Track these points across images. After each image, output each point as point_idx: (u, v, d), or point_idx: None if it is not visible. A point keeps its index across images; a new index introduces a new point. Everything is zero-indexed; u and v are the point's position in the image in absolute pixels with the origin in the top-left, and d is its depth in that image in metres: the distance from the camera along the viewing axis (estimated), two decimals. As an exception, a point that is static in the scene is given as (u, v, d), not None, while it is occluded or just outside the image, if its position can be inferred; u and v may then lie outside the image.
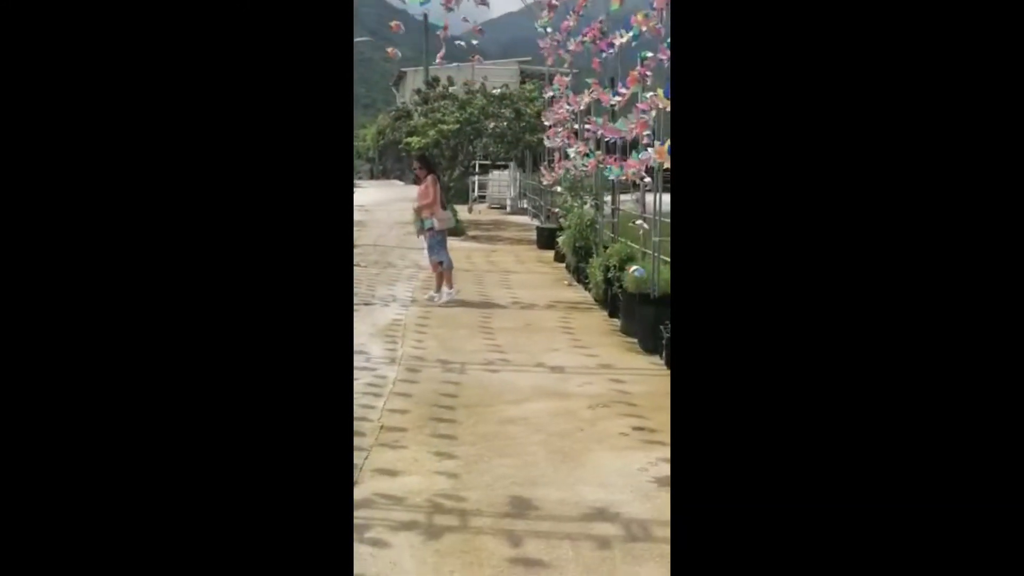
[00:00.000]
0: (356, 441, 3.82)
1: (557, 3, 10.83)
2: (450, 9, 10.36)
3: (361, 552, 2.75)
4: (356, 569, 2.63)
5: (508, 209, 20.56)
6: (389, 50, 13.00)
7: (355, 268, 9.93)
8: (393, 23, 10.98)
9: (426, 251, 8.04)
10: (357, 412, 4.28)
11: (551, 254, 10.98)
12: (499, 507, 3.12)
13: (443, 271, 7.80)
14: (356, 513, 3.04)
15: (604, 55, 8.39)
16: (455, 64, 18.42)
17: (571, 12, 10.49)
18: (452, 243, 12.17)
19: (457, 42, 13.58)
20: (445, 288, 7.77)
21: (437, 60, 12.63)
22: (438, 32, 12.39)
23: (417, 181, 8.30)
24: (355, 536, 2.85)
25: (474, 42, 12.27)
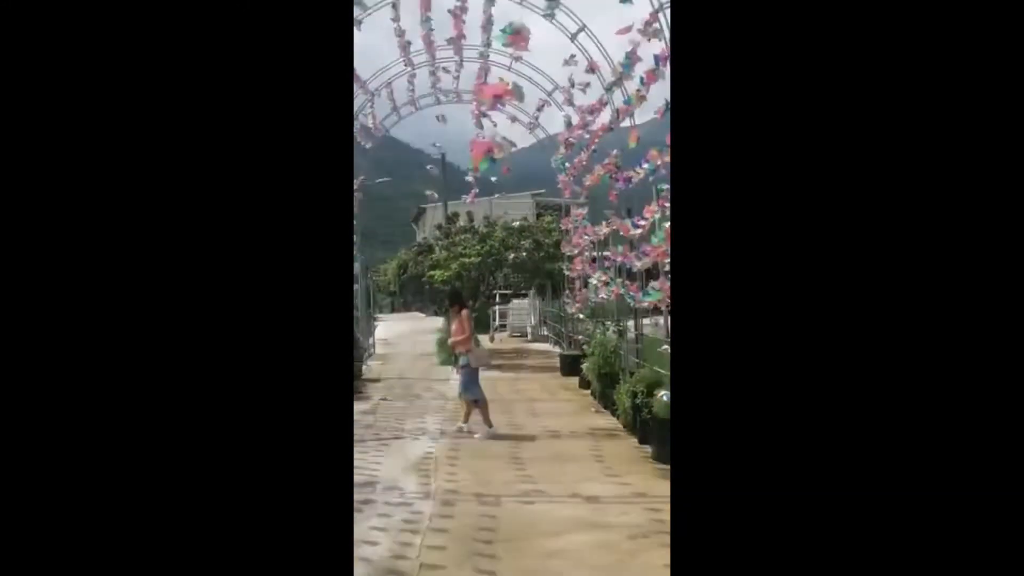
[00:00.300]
0: (397, 580, 3.80)
1: (574, 140, 11.40)
2: (489, 153, 10.98)
3: None
4: None
5: (529, 337, 20.71)
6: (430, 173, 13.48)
7: (383, 401, 10.00)
8: (429, 167, 11.54)
9: (459, 386, 8.05)
10: (394, 550, 4.27)
11: (575, 381, 11.00)
12: (547, 645, 3.07)
13: (479, 408, 7.79)
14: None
15: (620, 187, 8.75)
16: (473, 199, 19.18)
17: (584, 149, 11.03)
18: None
19: (468, 178, 14.20)
20: (484, 427, 7.70)
21: (469, 199, 13.10)
22: (468, 176, 12.97)
23: (446, 314, 8.40)
24: None
25: (493, 179, 12.83)
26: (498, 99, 9.41)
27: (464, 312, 8.05)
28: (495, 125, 12.62)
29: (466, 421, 7.84)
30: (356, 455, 6.74)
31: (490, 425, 7.68)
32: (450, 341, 8.22)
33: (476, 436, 7.56)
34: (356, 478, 5.96)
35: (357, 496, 5.42)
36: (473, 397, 7.77)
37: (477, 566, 3.99)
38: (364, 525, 4.72)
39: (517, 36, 8.10)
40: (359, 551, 4.24)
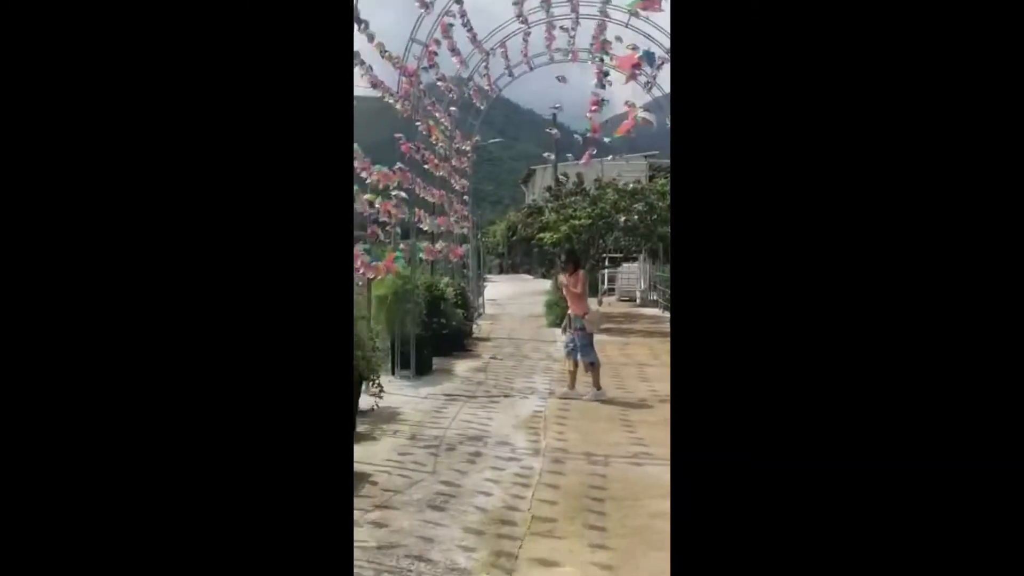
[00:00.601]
0: (509, 530, 3.92)
1: None
2: (596, 111, 10.87)
3: (524, 640, 2.80)
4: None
5: (638, 301, 20.55)
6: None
7: (492, 361, 10.20)
8: (552, 130, 11.52)
9: (572, 350, 7.74)
10: (507, 502, 4.39)
11: (686, 346, 10.85)
12: (657, 601, 3.11)
13: (593, 370, 7.68)
14: (515, 601, 3.11)
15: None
16: (583, 161, 19.03)
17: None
18: (586, 335, 12.37)
19: (575, 136, 14.03)
20: (592, 389, 7.63)
21: (584, 160, 13.00)
22: (588, 134, 12.85)
23: (554, 276, 8.21)
24: (516, 624, 2.91)
25: (607, 140, 12.70)
26: (636, 68, 9.32)
27: (580, 273, 7.94)
28: (611, 84, 12.44)
29: (572, 387, 7.80)
30: (469, 410, 6.95)
31: (599, 388, 7.64)
32: (567, 294, 8.00)
33: (584, 396, 7.54)
34: (469, 430, 6.15)
35: (470, 448, 5.60)
36: (590, 360, 7.66)
37: (586, 521, 4.07)
38: (478, 477, 4.88)
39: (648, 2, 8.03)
40: (473, 500, 4.40)
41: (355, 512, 4.17)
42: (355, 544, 3.70)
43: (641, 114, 10.48)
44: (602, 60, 11.63)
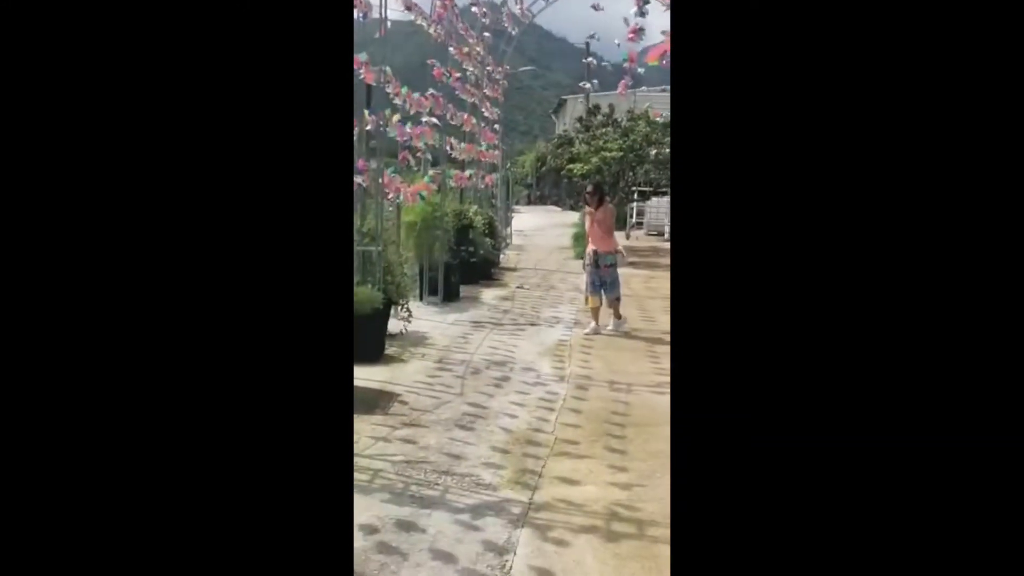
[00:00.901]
0: (534, 450, 4.06)
1: None
2: (634, 40, 10.62)
3: (546, 549, 2.96)
4: (543, 564, 2.85)
5: (666, 236, 20.46)
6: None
7: (519, 290, 10.30)
8: (588, 59, 11.31)
9: (598, 286, 7.51)
10: (532, 424, 4.53)
11: (713, 281, 10.87)
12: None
13: (617, 303, 7.64)
14: (538, 515, 3.26)
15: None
16: (615, 92, 18.68)
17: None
18: (612, 268, 12.40)
19: (606, 65, 13.71)
20: (614, 320, 7.60)
21: (620, 91, 12.81)
22: (624, 63, 12.59)
23: (581, 208, 8.02)
24: (539, 535, 3.07)
25: (640, 70, 12.45)
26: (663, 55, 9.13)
27: (609, 207, 7.82)
28: (647, 14, 12.13)
29: (598, 322, 7.59)
30: (495, 337, 7.09)
31: (620, 317, 7.63)
32: (595, 240, 7.61)
33: (607, 328, 7.53)
34: (496, 355, 6.29)
35: (496, 373, 5.74)
36: (616, 295, 7.57)
37: (608, 444, 4.20)
38: (504, 400, 5.02)
39: None
40: (499, 422, 4.54)
41: (385, 428, 4.34)
42: (385, 458, 3.87)
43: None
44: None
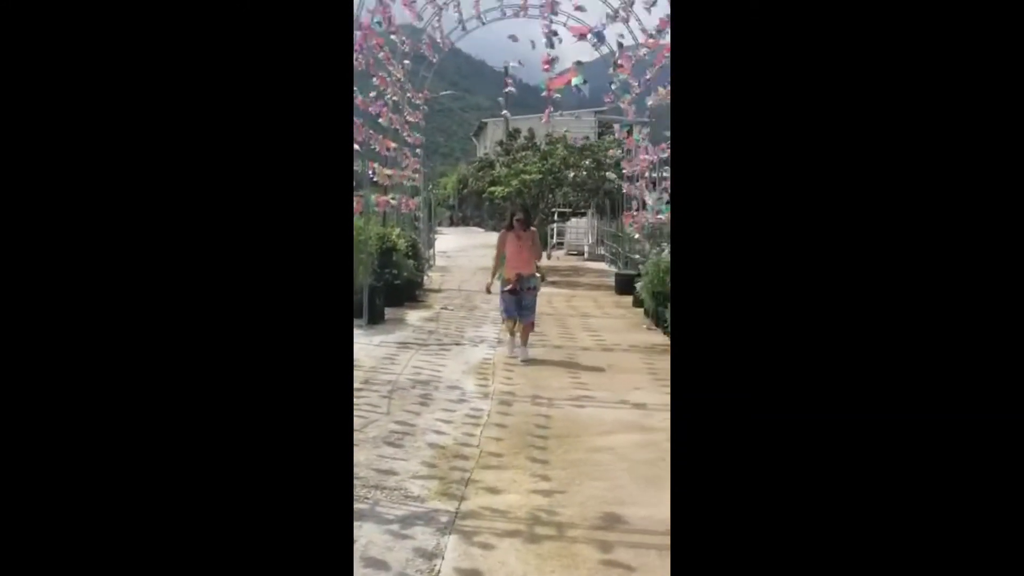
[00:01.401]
0: (460, 463, 4.25)
1: (623, 64, 11.41)
2: (548, 70, 11.19)
3: (472, 553, 3.15)
4: (470, 566, 3.04)
5: (585, 256, 20.97)
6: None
7: (443, 311, 10.48)
8: (508, 88, 11.75)
9: (513, 311, 7.35)
10: (459, 438, 4.72)
11: (629, 299, 11.29)
12: (592, 521, 3.49)
13: (530, 328, 7.51)
14: (464, 522, 3.45)
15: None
16: (534, 115, 19.18)
17: (651, 66, 11.02)
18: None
19: (527, 87, 14.25)
20: (521, 347, 7.39)
21: (544, 119, 13.24)
22: (542, 93, 13.05)
23: (509, 229, 7.46)
24: (466, 540, 3.26)
25: (557, 95, 12.90)
26: (583, 36, 9.70)
27: (534, 231, 7.68)
28: (561, 41, 12.61)
29: (525, 344, 7.42)
30: (421, 357, 7.24)
31: (526, 343, 7.46)
32: (522, 267, 7.34)
33: (522, 353, 7.33)
34: (421, 375, 6.45)
35: (426, 391, 5.90)
36: (532, 320, 7.49)
37: (531, 455, 4.42)
38: (430, 417, 5.20)
39: None
40: (426, 438, 4.71)
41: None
42: (316, 475, 3.99)
43: (575, 80, 10.95)
44: (550, 21, 11.88)
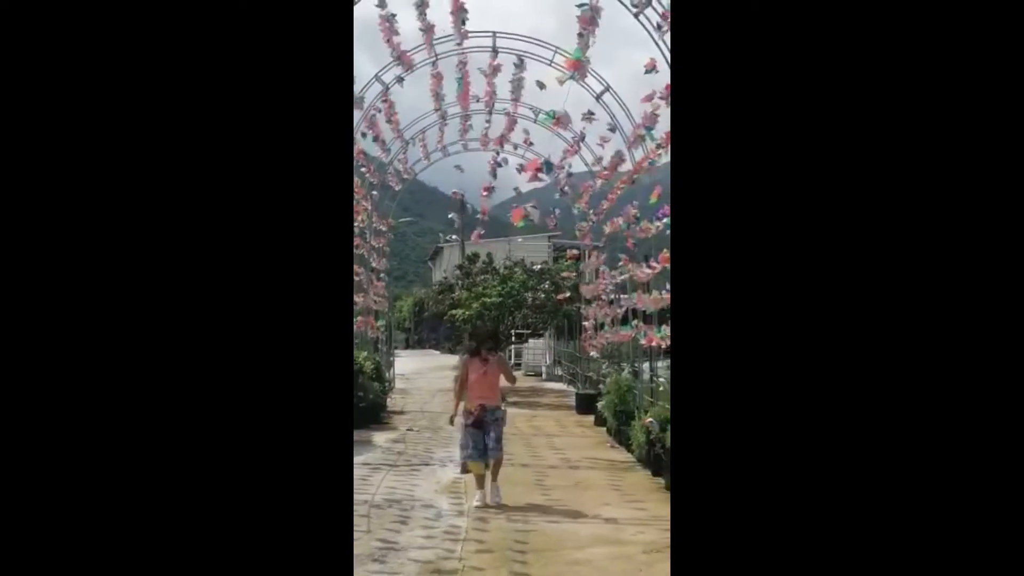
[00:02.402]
0: (445, 577, 4.39)
1: (581, 193, 12.32)
2: (487, 196, 12.35)
3: (469, 661, 3.29)
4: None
5: (544, 376, 21.26)
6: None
7: (409, 432, 10.58)
8: (451, 215, 12.59)
9: (480, 447, 6.31)
10: (441, 554, 4.86)
11: (591, 418, 11.55)
12: (578, 628, 3.66)
13: (496, 465, 6.49)
14: (456, 633, 3.59)
15: (639, 237, 9.48)
16: (490, 239, 19.96)
17: (606, 199, 11.79)
18: (496, 408, 12.94)
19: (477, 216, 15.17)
20: (492, 486, 6.41)
21: (472, 238, 14.03)
22: (478, 216, 13.95)
23: (463, 355, 6.91)
24: (460, 649, 3.40)
25: (519, 224, 13.59)
26: (537, 171, 10.71)
27: (501, 355, 6.94)
28: (511, 167, 13.46)
29: (495, 480, 6.45)
30: (393, 478, 7.35)
31: (496, 480, 6.46)
32: (477, 381, 6.46)
33: (494, 500, 6.32)
34: (396, 495, 6.56)
35: (401, 510, 6.02)
36: (500, 454, 6.48)
37: (512, 569, 4.59)
38: (410, 534, 5.33)
39: (558, 121, 9.54)
40: (409, 554, 4.84)
41: (302, 566, 4.56)
42: (308, 592, 4.10)
43: (529, 210, 12.34)
44: (497, 153, 13.02)
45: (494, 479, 6.42)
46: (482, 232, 15.20)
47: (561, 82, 9.19)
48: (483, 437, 6.31)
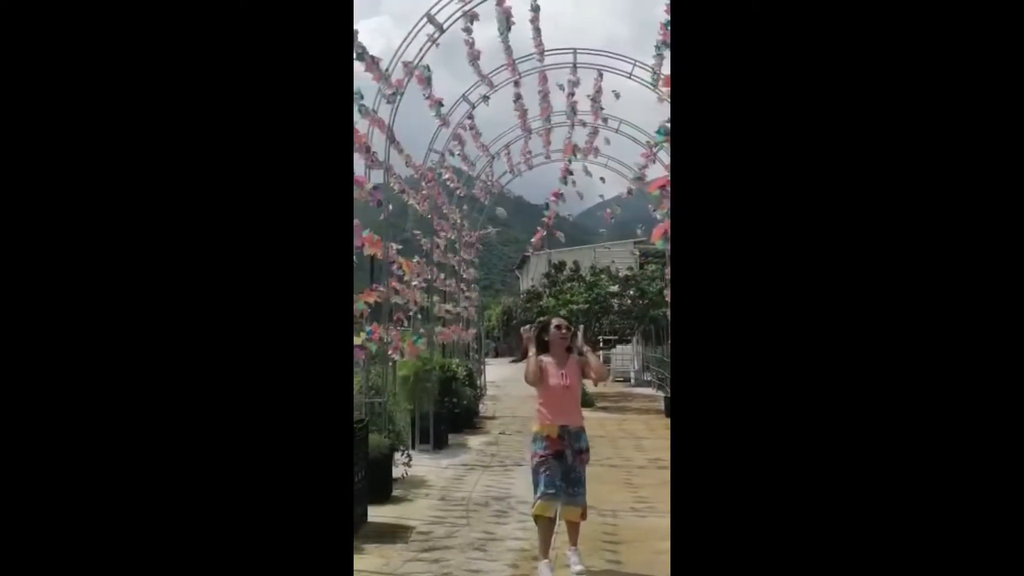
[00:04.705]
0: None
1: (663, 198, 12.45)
2: (556, 201, 12.76)
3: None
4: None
5: (632, 382, 21.40)
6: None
7: (502, 436, 11.01)
8: (541, 228, 13.09)
9: (558, 484, 4.50)
10: (536, 544, 5.22)
11: (680, 421, 11.70)
12: (664, 608, 3.97)
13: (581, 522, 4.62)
14: (552, 611, 3.95)
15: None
16: (574, 247, 20.24)
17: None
18: (584, 412, 13.16)
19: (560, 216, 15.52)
20: (572, 550, 4.51)
21: (534, 239, 14.39)
22: (543, 218, 14.38)
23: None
24: (556, 624, 3.75)
25: (601, 230, 13.90)
26: (663, 188, 11.02)
27: (586, 357, 4.82)
28: (567, 184, 13.72)
29: (575, 541, 4.54)
30: (488, 477, 7.77)
31: (576, 544, 4.52)
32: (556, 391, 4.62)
33: (572, 565, 4.44)
34: (492, 492, 6.97)
35: (499, 507, 6.42)
36: (584, 502, 4.66)
37: (603, 556, 4.91)
38: (507, 527, 5.73)
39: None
40: (507, 544, 5.23)
41: (410, 553, 5.01)
42: (416, 574, 4.53)
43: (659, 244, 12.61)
44: (570, 161, 13.32)
45: (572, 541, 4.49)
46: (543, 234, 15.51)
47: (662, 100, 9.40)
48: (565, 473, 4.50)
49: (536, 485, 4.51)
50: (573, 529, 4.54)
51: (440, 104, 9.30)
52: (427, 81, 8.44)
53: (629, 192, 13.53)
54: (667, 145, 11.02)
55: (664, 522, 5.87)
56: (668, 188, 11.33)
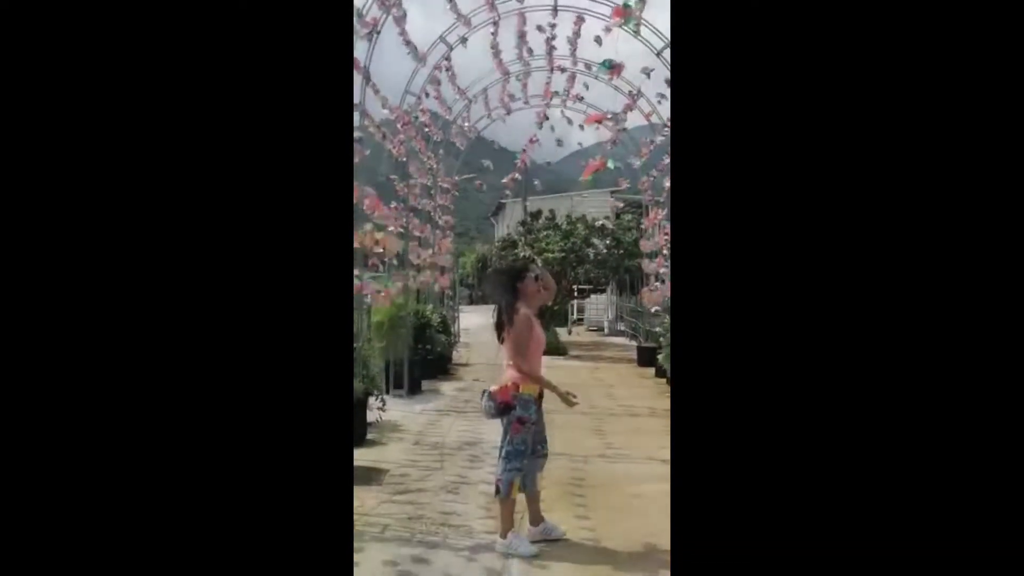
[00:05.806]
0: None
1: (651, 147, 12.39)
2: (534, 142, 12.76)
3: (533, 571, 3.72)
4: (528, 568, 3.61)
5: (606, 331, 21.60)
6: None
7: (475, 382, 11.08)
8: (516, 175, 12.92)
9: (521, 466, 4.17)
10: (507, 488, 5.30)
11: (651, 371, 11.86)
12: (634, 549, 4.06)
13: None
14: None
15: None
16: (551, 195, 20.10)
17: (666, 154, 11.91)
18: (557, 361, 13.39)
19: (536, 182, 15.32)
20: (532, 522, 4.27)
21: (506, 180, 14.37)
22: (515, 162, 14.29)
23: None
24: (526, 562, 3.83)
25: (581, 180, 13.82)
26: (598, 121, 10.90)
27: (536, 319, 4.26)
28: (581, 128, 13.59)
29: (536, 521, 4.26)
30: (463, 423, 7.84)
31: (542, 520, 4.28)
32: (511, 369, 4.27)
33: (554, 533, 4.25)
34: (466, 438, 7.04)
35: (472, 451, 6.49)
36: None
37: (573, 502, 5.00)
38: (480, 471, 5.79)
39: (613, 69, 9.60)
40: (479, 488, 5.30)
41: (384, 495, 5.05)
42: (390, 516, 4.59)
43: (610, 164, 12.30)
44: (547, 106, 13.21)
45: (534, 521, 4.25)
46: (517, 176, 15.40)
47: (608, 30, 9.26)
48: (538, 431, 4.30)
49: (510, 458, 4.07)
50: (535, 506, 4.27)
51: (413, 46, 9.10)
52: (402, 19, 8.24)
53: (614, 143, 13.44)
54: (648, 87, 10.96)
55: (636, 468, 6.00)
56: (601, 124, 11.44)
